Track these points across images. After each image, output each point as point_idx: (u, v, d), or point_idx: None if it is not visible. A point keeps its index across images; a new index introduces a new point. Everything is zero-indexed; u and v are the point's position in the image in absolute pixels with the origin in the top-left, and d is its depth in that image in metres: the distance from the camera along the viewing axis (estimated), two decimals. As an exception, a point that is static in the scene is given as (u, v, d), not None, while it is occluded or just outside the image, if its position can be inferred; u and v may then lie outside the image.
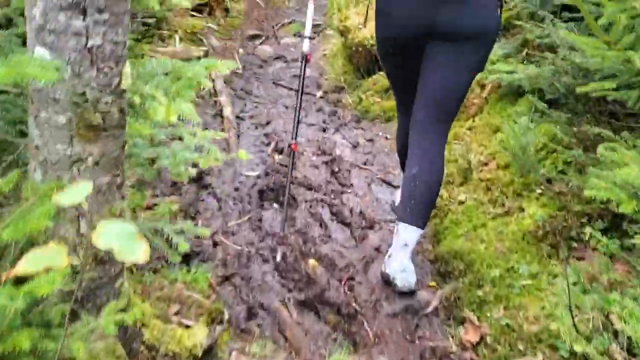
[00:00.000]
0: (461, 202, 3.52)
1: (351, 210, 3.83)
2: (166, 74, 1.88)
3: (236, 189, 4.06)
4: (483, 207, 3.37)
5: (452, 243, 3.27)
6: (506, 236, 2.98)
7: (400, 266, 2.72)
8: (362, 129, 5.47)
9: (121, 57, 1.58)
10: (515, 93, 3.73)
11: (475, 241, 3.12)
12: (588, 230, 2.61)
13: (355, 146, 5.01)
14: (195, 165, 2.30)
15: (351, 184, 4.25)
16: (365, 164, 4.65)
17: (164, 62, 1.96)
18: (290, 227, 3.61)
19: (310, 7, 3.79)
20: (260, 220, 3.70)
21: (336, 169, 4.46)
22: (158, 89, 1.76)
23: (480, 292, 2.75)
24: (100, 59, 1.54)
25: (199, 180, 4.10)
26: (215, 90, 5.88)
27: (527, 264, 2.72)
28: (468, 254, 3.03)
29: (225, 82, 6.20)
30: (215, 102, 5.64)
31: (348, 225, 3.70)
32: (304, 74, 3.79)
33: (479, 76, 3.97)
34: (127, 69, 1.63)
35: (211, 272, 2.99)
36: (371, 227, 3.66)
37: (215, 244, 3.37)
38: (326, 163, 4.56)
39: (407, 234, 2.73)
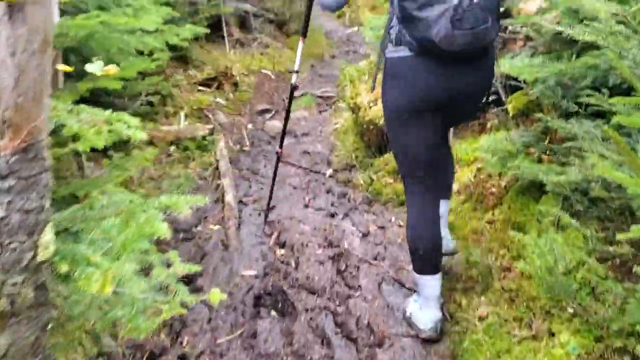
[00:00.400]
0: (482, 318, 3.08)
1: (358, 320, 3.41)
2: (119, 215, 1.56)
3: (230, 294, 3.68)
4: (507, 326, 2.93)
5: (473, 371, 2.81)
6: (535, 368, 2.53)
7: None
8: (373, 213, 5.10)
9: (36, 226, 1.26)
10: (538, 189, 3.34)
11: (500, 372, 2.67)
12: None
13: (365, 235, 4.63)
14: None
15: (359, 286, 3.84)
16: (375, 258, 4.24)
17: (118, 201, 1.64)
18: (287, 345, 3.19)
19: (300, 45, 3.99)
20: (254, 335, 3.30)
21: (343, 266, 4.06)
22: (96, 250, 1.43)
23: None
24: (4, 233, 1.21)
25: (189, 283, 3.75)
26: (218, 171, 5.63)
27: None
28: (492, 390, 2.57)
29: (231, 161, 5.95)
30: (218, 185, 5.38)
31: (354, 341, 3.27)
32: (291, 100, 4.40)
33: (497, 166, 3.62)
34: (48, 236, 1.30)
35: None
36: (380, 345, 3.22)
37: (200, 370, 2.97)
38: (332, 258, 4.18)
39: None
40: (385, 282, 3.94)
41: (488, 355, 2.82)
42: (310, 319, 3.43)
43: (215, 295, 2.03)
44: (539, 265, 2.47)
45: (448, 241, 3.32)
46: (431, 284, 2.99)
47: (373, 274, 4.03)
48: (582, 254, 2.46)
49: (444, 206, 3.18)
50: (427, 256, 2.96)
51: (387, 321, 3.46)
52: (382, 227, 4.77)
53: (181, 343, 3.19)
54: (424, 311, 3.15)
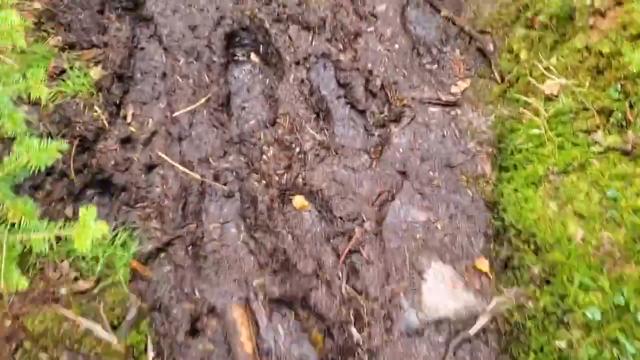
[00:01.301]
0: (550, 99, 2.11)
1: (369, 79, 2.43)
2: None
3: (193, 29, 2.59)
4: (583, 121, 2.00)
5: None
6: None
7: None
8: None
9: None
10: None
11: None
12: None
13: None
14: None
15: (374, 14, 2.66)
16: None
17: None
18: (267, 125, 2.33)
19: None
20: (226, 102, 2.40)
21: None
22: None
23: None
24: None
25: (136, 6, 2.63)
26: None
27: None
28: None
29: None
30: None
31: (362, 113, 2.39)
32: None
33: None
34: None
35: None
36: (397, 119, 2.34)
37: (150, 168, 2.22)
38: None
39: None
40: (410, 6, 2.73)
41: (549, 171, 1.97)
42: (307, 69, 2.44)
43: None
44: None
45: None
46: None
47: (395, -12, 2.78)
48: None
49: None
50: None
51: (410, 77, 2.47)
52: None
53: (124, 118, 2.35)
54: None
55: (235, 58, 2.62)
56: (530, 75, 2.19)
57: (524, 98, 2.14)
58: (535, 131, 2.03)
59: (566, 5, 2.12)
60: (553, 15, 2.18)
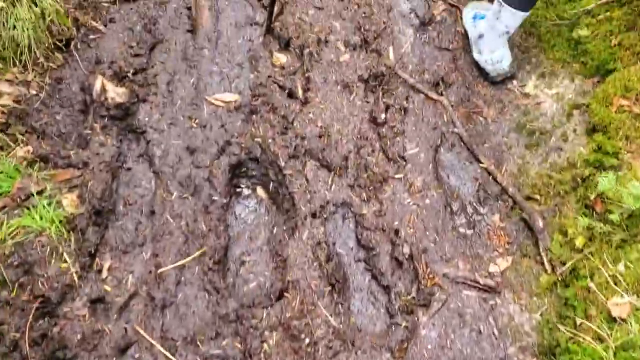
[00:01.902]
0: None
1: (393, 246, 2.06)
2: None
3: (192, 152, 2.18)
4: None
5: None
6: None
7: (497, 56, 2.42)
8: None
9: None
10: None
11: None
12: None
13: (424, 23, 2.75)
14: None
15: (403, 156, 2.30)
16: (438, 84, 2.54)
17: None
18: (275, 295, 1.93)
19: None
20: (224, 255, 2.00)
21: (382, 102, 2.42)
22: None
23: None
24: None
25: (126, 115, 2.22)
26: None
27: None
28: None
29: None
30: None
31: (386, 289, 2.01)
32: None
33: None
34: None
35: None
36: (426, 304, 1.97)
37: (124, 350, 1.79)
38: (366, 81, 2.47)
39: (511, 20, 2.31)
40: (444, 147, 2.38)
41: None
42: (324, 219, 2.06)
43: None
44: None
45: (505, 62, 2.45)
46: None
47: (429, 122, 2.42)
48: None
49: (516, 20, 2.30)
50: None
51: (441, 244, 2.11)
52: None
53: (99, 272, 1.91)
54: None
55: (239, 190, 2.22)
56: (591, 278, 1.85)
57: (581, 311, 1.80)
58: (597, 364, 1.68)
59: (644, 205, 1.79)
60: (625, 212, 1.85)
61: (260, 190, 2.23)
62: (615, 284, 1.80)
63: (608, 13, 2.36)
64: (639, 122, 2.06)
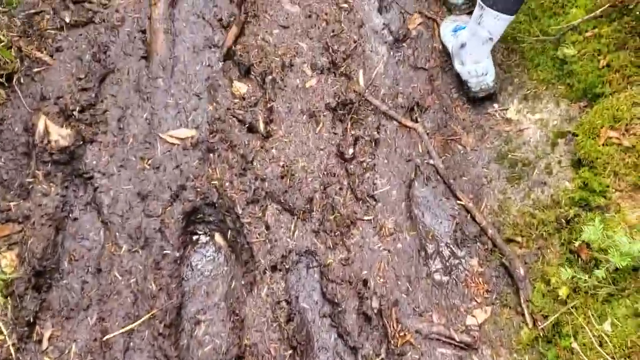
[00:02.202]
0: None
1: (361, 301, 1.90)
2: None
3: (143, 198, 2.01)
4: None
5: None
6: None
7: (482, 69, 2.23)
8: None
9: None
10: None
11: None
12: None
13: (398, 39, 2.54)
14: None
15: (373, 195, 2.12)
16: (412, 108, 2.35)
17: None
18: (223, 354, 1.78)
19: None
20: (176, 316, 1.84)
21: (350, 135, 2.24)
22: None
23: None
24: None
25: (71, 159, 2.05)
26: None
27: None
28: None
29: None
30: None
31: (353, 351, 1.85)
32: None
33: None
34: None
35: None
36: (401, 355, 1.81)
37: None
38: (334, 109, 2.29)
39: (493, 25, 2.08)
40: (419, 182, 2.20)
41: None
42: (285, 273, 1.89)
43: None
44: None
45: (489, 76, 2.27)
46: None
47: (403, 154, 2.23)
48: None
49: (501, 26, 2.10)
50: None
51: (414, 294, 1.94)
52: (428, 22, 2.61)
53: (39, 342, 1.76)
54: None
55: (195, 238, 2.06)
56: (575, 338, 1.69)
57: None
58: None
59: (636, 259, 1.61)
60: (611, 266, 1.67)
61: (218, 237, 2.06)
62: (601, 345, 1.64)
63: (596, 29, 2.15)
64: (629, 156, 1.87)
